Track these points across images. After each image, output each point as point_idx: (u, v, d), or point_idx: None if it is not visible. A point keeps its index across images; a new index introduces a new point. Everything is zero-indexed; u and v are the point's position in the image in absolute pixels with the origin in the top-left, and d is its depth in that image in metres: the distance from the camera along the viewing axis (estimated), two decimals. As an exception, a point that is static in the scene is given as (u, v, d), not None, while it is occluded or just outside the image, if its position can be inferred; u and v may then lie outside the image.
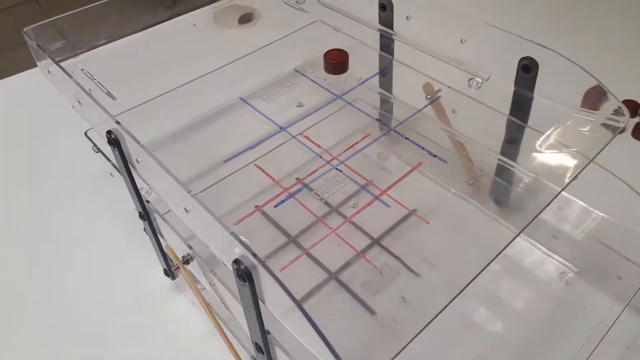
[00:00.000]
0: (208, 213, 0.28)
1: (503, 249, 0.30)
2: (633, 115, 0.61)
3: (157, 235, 0.42)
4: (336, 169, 0.45)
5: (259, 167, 0.49)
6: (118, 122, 0.34)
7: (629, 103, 0.61)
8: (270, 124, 0.50)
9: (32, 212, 0.56)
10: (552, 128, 0.41)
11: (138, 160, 0.34)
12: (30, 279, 0.50)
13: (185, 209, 0.30)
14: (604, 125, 0.38)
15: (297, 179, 0.46)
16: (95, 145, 0.46)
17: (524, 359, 0.38)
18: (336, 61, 0.46)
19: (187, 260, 0.38)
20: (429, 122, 0.50)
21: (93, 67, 0.47)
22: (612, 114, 0.38)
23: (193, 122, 0.51)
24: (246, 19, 0.59)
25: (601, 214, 0.46)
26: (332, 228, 0.44)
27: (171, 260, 0.42)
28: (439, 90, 0.48)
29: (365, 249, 0.45)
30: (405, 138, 0.48)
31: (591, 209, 0.46)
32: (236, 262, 0.27)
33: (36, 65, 0.43)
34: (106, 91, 0.43)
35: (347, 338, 0.36)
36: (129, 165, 0.36)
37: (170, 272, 0.45)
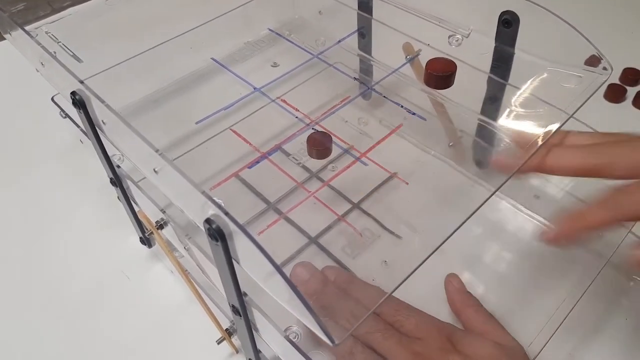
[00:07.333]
0: (178, 173, 0.27)
1: (480, 206, 0.29)
2: (634, 84, 0.60)
3: (130, 201, 0.40)
4: (313, 128, 0.43)
5: (236, 133, 0.47)
6: (82, 82, 0.32)
7: (630, 71, 0.60)
8: (246, 85, 0.48)
9: (1, 184, 0.54)
10: (534, 85, 0.40)
11: (104, 121, 0.33)
12: (4, 252, 0.48)
13: (154, 169, 0.29)
14: (587, 79, 0.37)
15: (276, 145, 0.45)
16: (62, 110, 0.44)
17: (506, 315, 0.37)
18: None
19: (160, 226, 0.37)
20: (410, 83, 0.48)
21: (59, 30, 0.44)
22: (595, 68, 0.37)
23: (166, 86, 0.49)
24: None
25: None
26: (310, 192, 0.44)
27: (146, 227, 0.41)
28: (419, 51, 0.47)
29: (346, 213, 0.44)
30: (384, 97, 0.47)
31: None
32: (208, 221, 0.26)
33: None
34: (72, 54, 0.41)
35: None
36: (96, 127, 0.35)
37: (145, 240, 0.44)
